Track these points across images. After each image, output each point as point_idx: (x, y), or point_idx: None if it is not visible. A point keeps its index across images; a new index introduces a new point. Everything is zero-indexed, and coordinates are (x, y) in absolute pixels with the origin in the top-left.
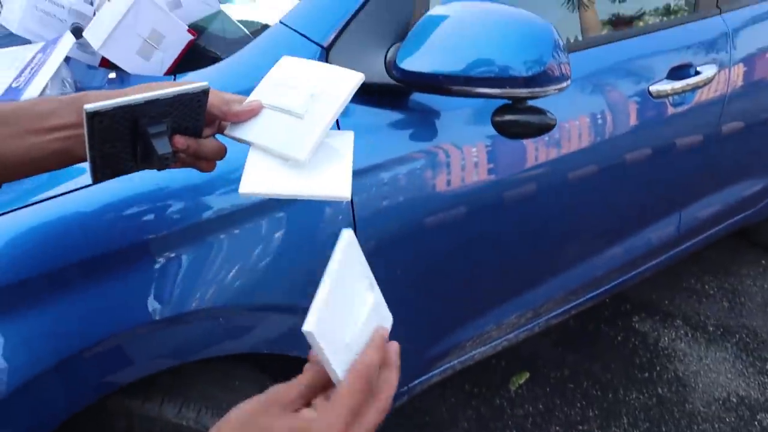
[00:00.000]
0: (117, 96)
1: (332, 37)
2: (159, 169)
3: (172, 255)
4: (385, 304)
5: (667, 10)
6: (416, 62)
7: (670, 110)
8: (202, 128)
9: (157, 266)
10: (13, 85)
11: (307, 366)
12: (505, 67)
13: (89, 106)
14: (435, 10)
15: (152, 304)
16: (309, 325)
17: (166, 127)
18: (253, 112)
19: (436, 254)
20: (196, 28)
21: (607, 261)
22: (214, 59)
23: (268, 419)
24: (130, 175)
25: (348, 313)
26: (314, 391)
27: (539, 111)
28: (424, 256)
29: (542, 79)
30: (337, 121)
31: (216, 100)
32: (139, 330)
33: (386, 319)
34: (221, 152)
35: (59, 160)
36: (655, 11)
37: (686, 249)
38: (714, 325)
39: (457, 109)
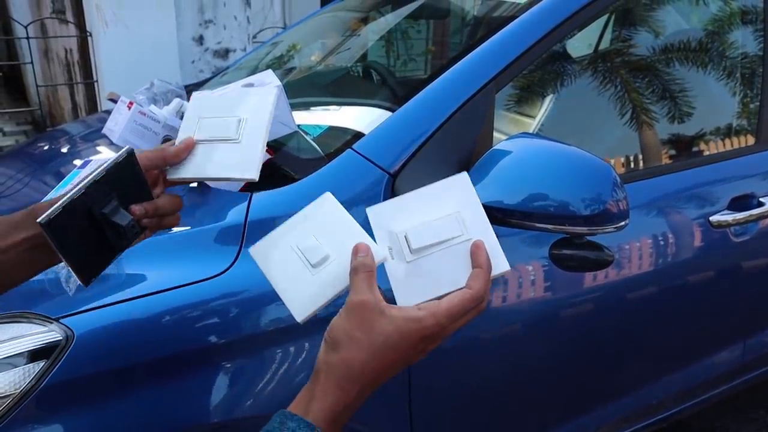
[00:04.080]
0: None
1: (399, 165)
2: (132, 241)
3: (229, 363)
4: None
5: (729, 131)
6: (477, 194)
7: (732, 240)
8: (149, 190)
9: (214, 372)
10: None
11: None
12: (565, 204)
13: (41, 219)
14: (500, 146)
15: (206, 408)
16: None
17: (117, 203)
18: (189, 147)
19: (486, 371)
20: (274, 147)
21: (664, 388)
22: (289, 178)
23: (381, 312)
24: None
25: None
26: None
27: (597, 247)
28: (473, 372)
29: (601, 217)
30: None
31: (149, 154)
32: None
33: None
34: (177, 203)
35: (30, 269)
36: (717, 131)
37: (751, 379)
38: None
39: (516, 234)
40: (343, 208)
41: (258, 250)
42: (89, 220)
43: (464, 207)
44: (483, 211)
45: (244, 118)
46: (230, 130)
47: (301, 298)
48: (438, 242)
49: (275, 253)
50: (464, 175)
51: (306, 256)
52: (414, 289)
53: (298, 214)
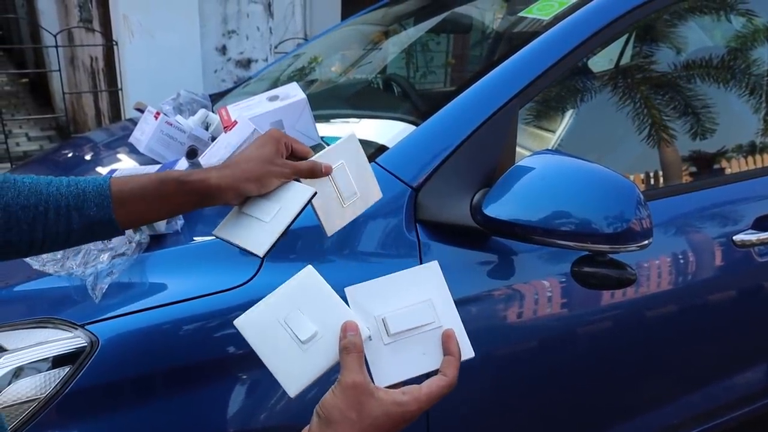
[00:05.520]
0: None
1: (422, 179)
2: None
3: (246, 374)
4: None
5: (753, 149)
6: (500, 209)
7: (756, 260)
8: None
9: (232, 382)
10: None
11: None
12: (587, 221)
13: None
14: (522, 162)
15: (222, 418)
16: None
17: None
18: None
19: (502, 386)
20: None
21: (684, 408)
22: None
23: (371, 395)
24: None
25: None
26: None
27: (619, 265)
28: (490, 387)
29: (624, 236)
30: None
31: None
32: None
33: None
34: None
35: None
36: (740, 149)
37: None
38: None
39: (536, 251)
40: (325, 282)
41: (244, 323)
42: None
43: (435, 295)
44: (451, 299)
45: (282, 207)
46: (267, 212)
47: (293, 374)
48: (413, 328)
49: (263, 327)
50: (435, 263)
51: (295, 332)
52: (391, 370)
53: (282, 288)
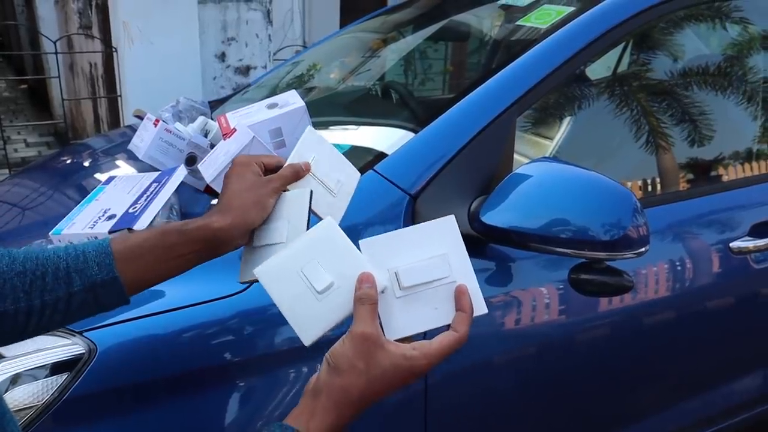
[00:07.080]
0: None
1: (420, 186)
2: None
3: (244, 382)
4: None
5: (749, 157)
6: (497, 217)
7: (753, 267)
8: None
9: (229, 389)
10: (130, 211)
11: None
12: (585, 229)
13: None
14: (520, 170)
15: (219, 425)
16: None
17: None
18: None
19: (500, 393)
20: None
21: (682, 414)
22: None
23: (381, 347)
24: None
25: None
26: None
27: (616, 272)
28: (487, 394)
29: (621, 243)
30: None
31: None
32: None
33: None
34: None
35: (186, 269)
36: (736, 155)
37: None
38: None
39: (533, 258)
40: (344, 234)
41: (263, 271)
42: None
43: (451, 249)
44: (467, 254)
45: (291, 222)
46: (280, 234)
47: (308, 323)
48: (426, 282)
49: (281, 276)
50: (451, 218)
51: (312, 283)
52: (401, 324)
53: (301, 239)
